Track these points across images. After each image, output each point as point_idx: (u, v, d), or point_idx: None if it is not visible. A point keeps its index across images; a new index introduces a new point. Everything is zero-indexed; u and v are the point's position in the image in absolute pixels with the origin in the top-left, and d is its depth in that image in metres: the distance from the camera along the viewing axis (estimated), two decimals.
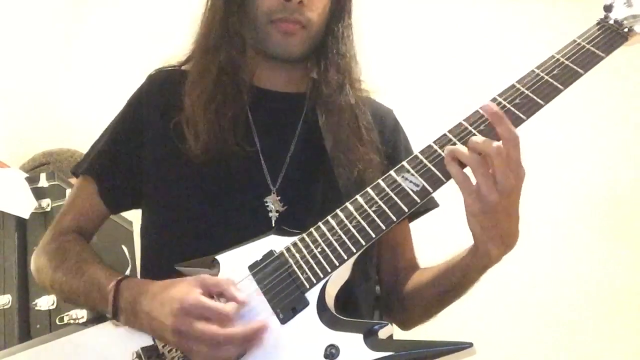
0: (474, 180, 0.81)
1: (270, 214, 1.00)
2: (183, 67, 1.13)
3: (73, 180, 1.95)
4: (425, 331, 1.00)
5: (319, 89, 1.08)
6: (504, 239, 0.85)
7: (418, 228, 1.18)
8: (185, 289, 0.83)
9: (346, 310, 0.85)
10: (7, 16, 2.45)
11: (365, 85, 1.14)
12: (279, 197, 1.02)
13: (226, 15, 1.04)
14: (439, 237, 1.56)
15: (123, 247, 1.88)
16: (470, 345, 0.73)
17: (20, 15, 2.52)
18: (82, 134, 2.40)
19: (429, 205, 1.12)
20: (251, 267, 0.88)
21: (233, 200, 1.01)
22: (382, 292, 1.15)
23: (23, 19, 2.53)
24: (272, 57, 1.06)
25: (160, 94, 1.10)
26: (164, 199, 1.06)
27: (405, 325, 1.11)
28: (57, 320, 1.65)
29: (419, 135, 1.14)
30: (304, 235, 0.89)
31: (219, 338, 0.80)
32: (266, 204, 1.01)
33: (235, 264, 0.90)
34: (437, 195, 1.13)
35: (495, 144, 0.79)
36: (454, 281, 0.96)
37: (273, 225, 0.99)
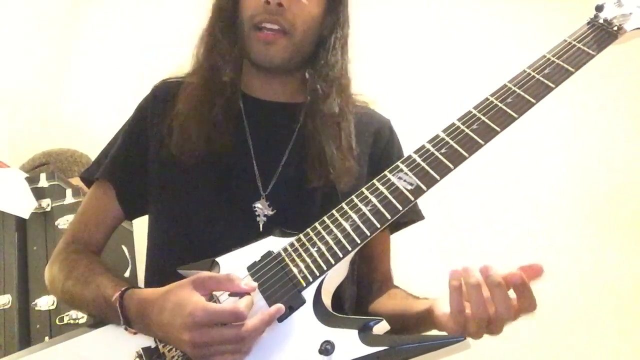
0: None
1: (258, 219, 1.02)
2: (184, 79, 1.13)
3: (73, 181, 1.97)
4: None
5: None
6: (472, 334, 0.83)
7: (402, 239, 1.19)
8: (188, 296, 0.81)
9: (335, 310, 0.85)
10: (7, 16, 2.46)
11: (363, 96, 1.15)
12: (268, 202, 1.03)
13: (215, 23, 1.07)
14: (423, 250, 1.56)
15: (123, 247, 1.88)
16: (464, 338, 0.74)
17: (20, 16, 2.53)
18: (82, 134, 2.42)
19: (415, 217, 1.14)
20: (249, 268, 0.90)
21: (223, 204, 1.03)
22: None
23: (23, 20, 2.53)
24: (256, 65, 1.07)
25: (161, 105, 1.11)
26: (162, 204, 1.09)
27: None
28: (57, 321, 1.66)
29: (417, 135, 1.15)
30: (301, 235, 0.90)
31: (241, 337, 0.79)
32: (254, 209, 1.03)
33: (235, 265, 0.91)
34: (424, 208, 1.13)
35: (498, 278, 0.79)
36: (407, 325, 0.97)
37: (261, 229, 1.01)
